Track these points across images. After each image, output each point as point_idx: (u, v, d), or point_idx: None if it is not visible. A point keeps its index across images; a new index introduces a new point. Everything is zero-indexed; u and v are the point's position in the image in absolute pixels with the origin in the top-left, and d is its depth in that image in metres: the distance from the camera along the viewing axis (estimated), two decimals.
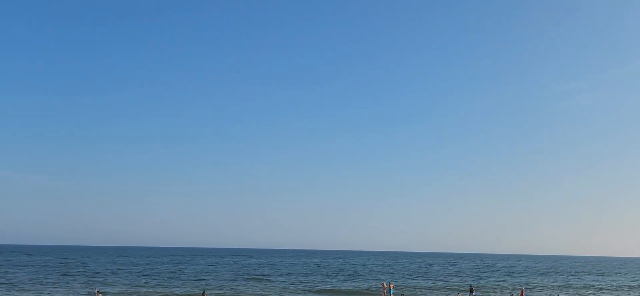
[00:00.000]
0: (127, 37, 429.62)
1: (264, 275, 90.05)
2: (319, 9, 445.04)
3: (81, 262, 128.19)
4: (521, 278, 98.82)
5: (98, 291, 46.43)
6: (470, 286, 57.49)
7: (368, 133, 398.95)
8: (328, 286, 70.89)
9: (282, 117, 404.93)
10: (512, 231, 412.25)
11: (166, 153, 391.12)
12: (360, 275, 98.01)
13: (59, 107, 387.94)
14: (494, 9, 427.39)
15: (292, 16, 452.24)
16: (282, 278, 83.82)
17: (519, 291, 58.01)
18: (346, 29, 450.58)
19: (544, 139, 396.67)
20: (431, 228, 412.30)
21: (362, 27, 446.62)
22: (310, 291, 64.34)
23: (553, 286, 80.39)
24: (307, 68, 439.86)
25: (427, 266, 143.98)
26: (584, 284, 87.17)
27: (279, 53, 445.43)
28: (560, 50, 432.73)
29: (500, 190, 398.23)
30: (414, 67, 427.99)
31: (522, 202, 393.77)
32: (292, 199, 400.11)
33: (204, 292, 50.65)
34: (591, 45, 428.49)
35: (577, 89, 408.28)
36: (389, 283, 52.36)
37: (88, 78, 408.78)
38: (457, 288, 70.76)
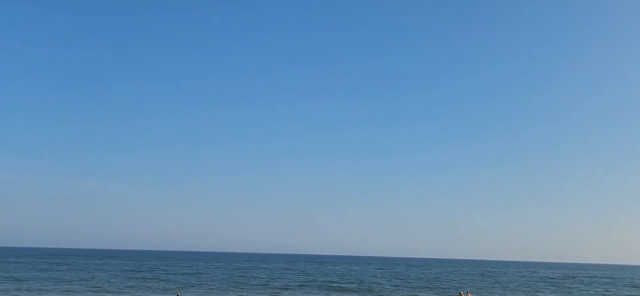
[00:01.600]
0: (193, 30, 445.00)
1: (333, 282, 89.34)
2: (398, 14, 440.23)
3: (152, 265, 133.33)
4: (613, 288, 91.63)
5: (178, 293, 47.49)
6: None
7: (464, 141, 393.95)
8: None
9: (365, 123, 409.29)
10: (600, 239, 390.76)
11: (240, 153, 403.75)
12: (435, 283, 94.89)
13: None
14: (577, 6, 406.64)
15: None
16: (352, 284, 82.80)
17: None
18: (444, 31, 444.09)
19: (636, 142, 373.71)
20: (513, 235, 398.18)
21: (459, 30, 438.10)
22: None
23: None
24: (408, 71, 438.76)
25: (507, 275, 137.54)
26: None
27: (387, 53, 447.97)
28: None
29: (583, 195, 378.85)
30: (509, 72, 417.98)
31: (606, 207, 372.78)
32: (369, 204, 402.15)
33: None
34: None
35: None
36: (467, 292, 49.85)
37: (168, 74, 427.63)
38: None
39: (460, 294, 50.37)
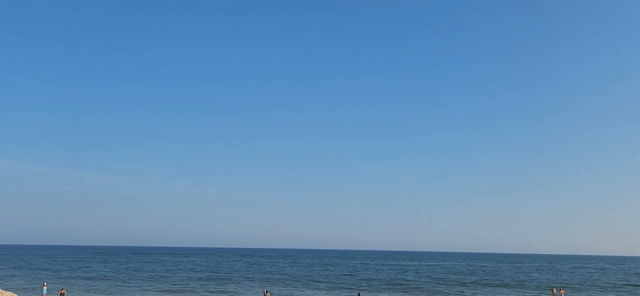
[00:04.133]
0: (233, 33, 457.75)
1: (407, 280, 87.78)
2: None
3: (235, 263, 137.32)
4: None
5: (267, 291, 48.37)
6: None
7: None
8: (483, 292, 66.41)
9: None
10: None
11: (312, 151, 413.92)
12: (520, 279, 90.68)
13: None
14: None
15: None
16: (427, 282, 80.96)
17: None
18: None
19: None
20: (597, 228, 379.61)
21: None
22: None
23: None
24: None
25: (600, 272, 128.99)
26: None
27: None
28: None
29: None
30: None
31: None
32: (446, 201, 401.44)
33: (359, 294, 50.32)
34: None
35: None
36: (560, 289, 46.97)
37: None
38: None
39: (553, 291, 47.61)
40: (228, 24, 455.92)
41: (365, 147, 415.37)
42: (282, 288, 65.24)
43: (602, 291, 70.25)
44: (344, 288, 67.84)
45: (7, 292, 31.58)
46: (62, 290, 49.53)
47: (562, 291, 45.62)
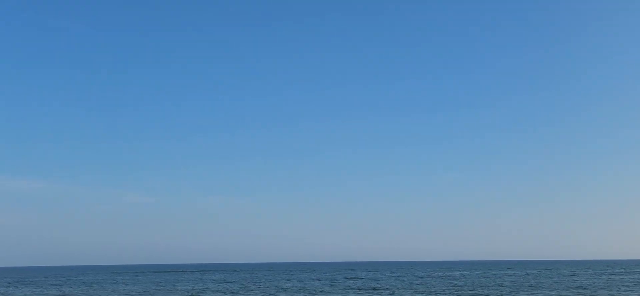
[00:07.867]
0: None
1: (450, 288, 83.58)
2: None
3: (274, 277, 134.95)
4: None
5: None
6: None
7: None
8: None
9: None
10: None
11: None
12: (575, 287, 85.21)
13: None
14: None
15: None
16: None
17: None
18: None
19: None
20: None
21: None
22: None
23: None
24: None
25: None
26: None
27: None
28: None
29: None
30: None
31: None
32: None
33: None
34: None
35: None
36: None
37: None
38: None
39: None
40: (279, 32, 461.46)
41: (399, 155, 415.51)
42: None
43: None
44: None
45: None
46: None
47: None
